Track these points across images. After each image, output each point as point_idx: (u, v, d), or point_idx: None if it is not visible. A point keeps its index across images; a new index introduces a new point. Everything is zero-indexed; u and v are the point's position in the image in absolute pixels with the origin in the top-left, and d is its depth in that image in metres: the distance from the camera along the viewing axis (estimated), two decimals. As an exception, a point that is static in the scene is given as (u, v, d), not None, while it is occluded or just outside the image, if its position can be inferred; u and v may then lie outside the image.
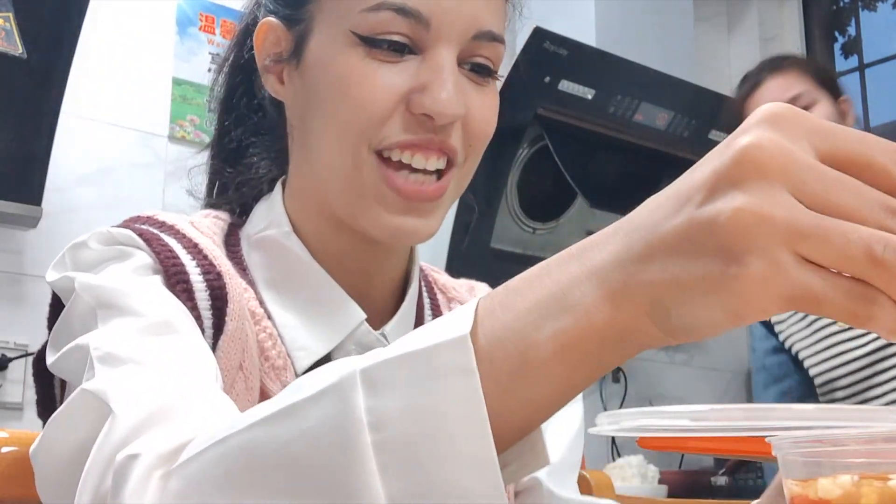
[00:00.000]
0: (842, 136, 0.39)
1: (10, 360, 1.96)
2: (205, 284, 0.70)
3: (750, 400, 3.23)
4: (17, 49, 1.85)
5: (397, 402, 0.41)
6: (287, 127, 0.81)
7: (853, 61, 3.51)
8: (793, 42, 3.48)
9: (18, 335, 1.97)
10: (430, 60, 0.72)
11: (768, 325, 1.94)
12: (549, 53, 2.49)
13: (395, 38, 0.71)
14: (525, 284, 0.44)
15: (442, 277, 0.94)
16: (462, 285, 0.94)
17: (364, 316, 0.77)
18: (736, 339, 3.28)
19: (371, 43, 0.71)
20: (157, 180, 2.24)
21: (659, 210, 0.40)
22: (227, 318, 0.70)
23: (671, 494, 2.42)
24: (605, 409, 2.81)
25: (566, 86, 2.56)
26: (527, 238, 2.75)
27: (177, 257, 0.71)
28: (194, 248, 0.73)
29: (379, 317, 0.80)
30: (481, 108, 0.75)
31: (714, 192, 0.38)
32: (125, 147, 2.19)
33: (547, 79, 2.53)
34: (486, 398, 0.40)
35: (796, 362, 1.87)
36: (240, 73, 0.86)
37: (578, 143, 2.69)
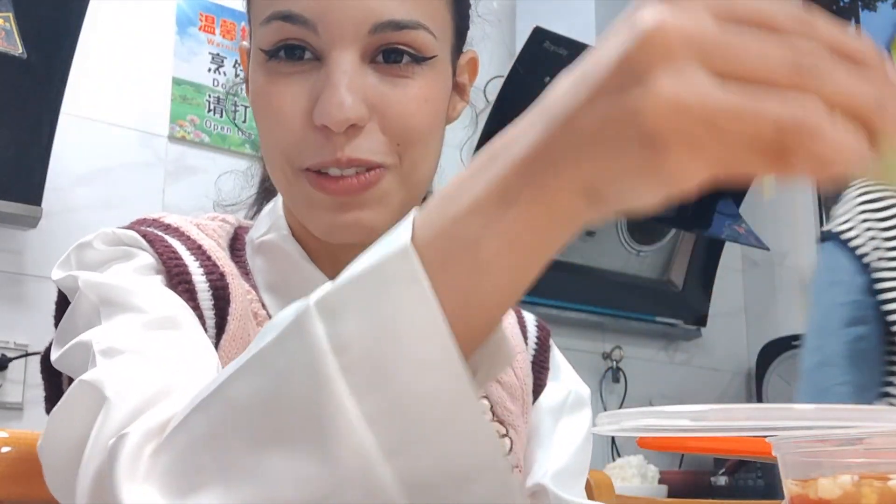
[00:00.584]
0: (738, 1, 0.38)
1: (10, 360, 1.96)
2: (207, 285, 0.71)
3: (750, 400, 3.23)
4: (17, 49, 1.85)
5: (355, 322, 0.42)
6: None
7: (853, 61, 3.50)
8: (793, 42, 3.48)
9: (18, 335, 1.97)
10: (325, 67, 0.70)
11: (859, 261, 1.74)
12: (549, 53, 2.49)
13: (290, 41, 0.70)
14: (459, 189, 0.44)
15: None
16: None
17: None
18: (736, 339, 3.28)
19: (270, 55, 0.71)
20: (157, 180, 2.24)
21: (573, 97, 0.41)
22: (229, 318, 0.71)
23: (671, 494, 2.42)
24: (605, 409, 2.81)
25: (566, 86, 2.56)
26: (527, 238, 2.75)
27: (179, 258, 0.71)
28: (198, 250, 0.73)
29: None
30: (398, 102, 0.71)
31: (625, 81, 0.38)
32: (125, 147, 2.19)
33: (547, 79, 2.53)
34: (446, 305, 0.41)
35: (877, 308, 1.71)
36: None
37: (578, 143, 2.70)
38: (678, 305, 3.05)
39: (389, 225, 0.73)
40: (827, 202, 3.39)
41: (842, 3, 3.62)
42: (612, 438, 2.75)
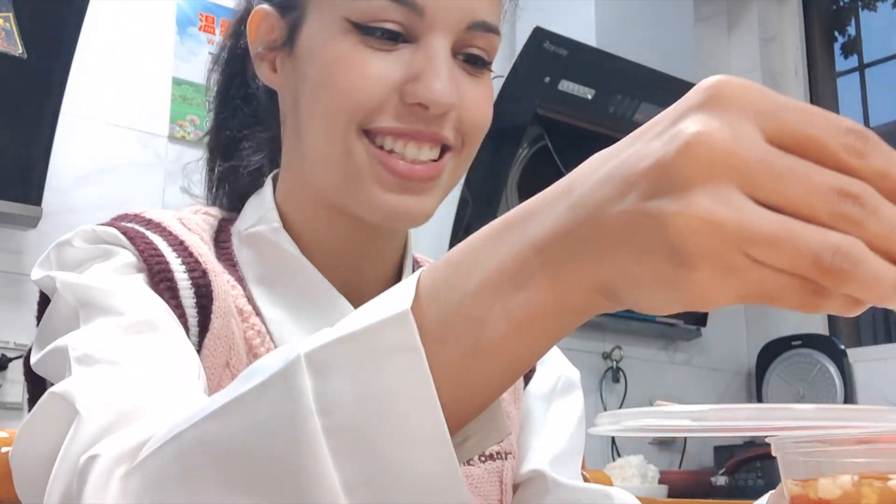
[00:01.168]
0: (788, 116, 0.37)
1: (10, 360, 1.96)
2: (190, 282, 0.70)
3: (750, 400, 3.23)
4: (17, 49, 1.85)
5: (344, 384, 0.41)
6: (280, 117, 0.81)
7: (853, 61, 3.51)
8: (793, 42, 3.48)
9: (18, 335, 1.97)
10: (424, 49, 0.71)
11: None
12: (549, 53, 2.49)
13: (389, 25, 0.71)
14: (468, 259, 0.43)
15: None
16: None
17: (352, 311, 0.76)
18: (736, 339, 3.28)
19: (364, 30, 0.71)
20: (157, 180, 2.24)
21: (603, 188, 0.39)
22: (212, 316, 0.70)
23: (671, 494, 2.42)
24: (605, 409, 2.81)
25: (566, 86, 2.56)
26: (527, 238, 2.75)
27: (161, 255, 0.70)
28: (180, 246, 0.72)
29: None
30: (475, 99, 0.74)
31: (661, 188, 0.37)
32: (125, 147, 2.19)
33: (547, 79, 2.53)
34: (440, 381, 0.40)
35: None
36: (235, 64, 0.86)
37: (578, 143, 2.69)
38: (678, 305, 3.05)
39: (435, 210, 0.73)
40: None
41: (842, 3, 3.62)
42: (612, 438, 2.75)
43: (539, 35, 2.46)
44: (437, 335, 0.41)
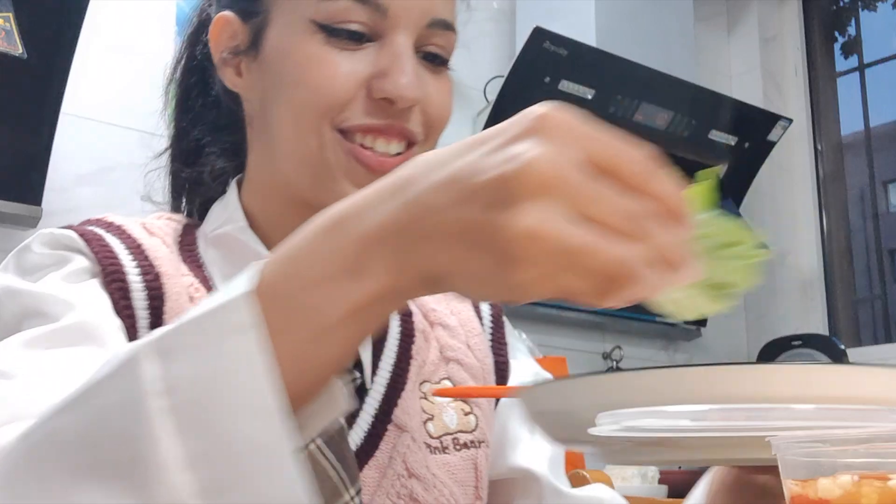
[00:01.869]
0: (600, 145, 0.44)
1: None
2: (143, 284, 0.72)
3: (750, 400, 3.23)
4: (17, 49, 1.85)
5: (186, 364, 0.43)
6: (245, 120, 0.83)
7: (853, 61, 3.51)
8: (793, 42, 3.48)
9: (18, 335, 1.97)
10: (389, 47, 0.74)
11: None
12: (549, 53, 2.49)
13: (354, 27, 0.74)
14: (306, 251, 0.47)
15: None
16: None
17: None
18: (736, 339, 3.28)
19: (330, 31, 0.74)
20: (157, 180, 2.23)
21: (442, 191, 0.44)
22: (164, 318, 0.72)
23: (671, 494, 2.42)
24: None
25: (566, 86, 2.56)
26: (527, 238, 2.75)
27: (115, 258, 0.73)
28: (136, 249, 0.75)
29: None
30: (437, 94, 0.77)
31: (497, 198, 0.42)
32: (125, 147, 2.19)
33: (547, 79, 2.53)
34: (285, 364, 0.43)
35: None
36: (195, 72, 0.89)
37: (578, 143, 2.69)
38: (678, 305, 3.05)
39: None
40: (827, 202, 3.39)
41: (842, 3, 3.62)
42: (612, 438, 2.75)
43: (539, 35, 2.46)
44: (277, 324, 0.44)
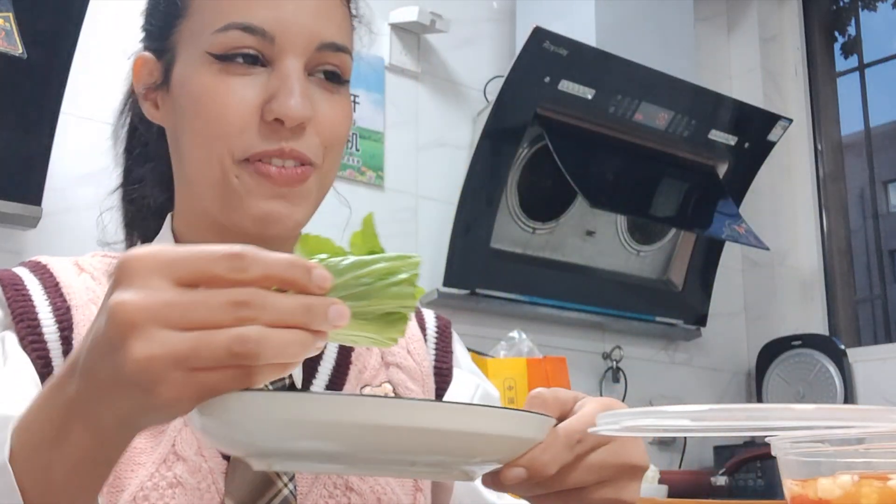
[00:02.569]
0: (181, 264, 0.51)
1: (10, 360, 1.96)
2: (53, 318, 0.80)
3: (750, 400, 3.23)
4: (17, 49, 1.85)
5: None
6: (170, 152, 0.89)
7: (853, 61, 3.51)
8: (793, 42, 3.48)
9: (18, 335, 1.97)
10: (278, 71, 0.80)
11: None
12: (549, 53, 2.49)
13: (246, 51, 0.80)
14: (31, 418, 0.56)
15: None
16: None
17: None
18: (736, 339, 3.28)
19: (224, 59, 0.80)
20: (157, 180, 2.24)
21: (89, 358, 0.52)
22: (73, 343, 0.79)
23: (671, 494, 2.42)
24: (605, 409, 2.81)
25: (566, 86, 2.56)
26: (527, 238, 2.75)
27: (28, 299, 0.81)
28: (53, 287, 0.82)
29: None
30: (331, 113, 0.83)
31: (110, 348, 0.50)
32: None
33: (547, 79, 2.53)
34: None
35: None
36: (132, 109, 1.00)
37: (578, 143, 2.69)
38: (678, 305, 3.05)
39: (307, 220, 0.82)
40: (827, 202, 3.39)
41: (842, 3, 3.62)
42: (612, 438, 2.75)
43: (539, 35, 2.46)
44: (25, 482, 0.54)
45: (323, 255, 0.56)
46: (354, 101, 2.52)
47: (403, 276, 0.55)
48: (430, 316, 1.00)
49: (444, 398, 0.92)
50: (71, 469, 0.54)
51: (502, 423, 0.55)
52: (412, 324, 0.96)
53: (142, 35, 0.91)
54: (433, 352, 0.95)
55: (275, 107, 0.79)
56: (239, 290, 0.50)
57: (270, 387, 0.80)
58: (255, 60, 0.80)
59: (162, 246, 0.53)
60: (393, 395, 0.89)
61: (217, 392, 0.51)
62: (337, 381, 0.87)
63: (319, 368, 0.87)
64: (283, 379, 0.82)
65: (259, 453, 0.57)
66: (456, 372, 0.95)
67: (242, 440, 0.56)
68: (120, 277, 0.51)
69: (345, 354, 0.89)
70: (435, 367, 0.94)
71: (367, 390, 0.88)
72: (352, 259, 0.55)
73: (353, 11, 0.90)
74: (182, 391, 0.50)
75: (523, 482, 0.59)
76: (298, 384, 0.84)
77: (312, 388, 0.85)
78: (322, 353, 0.88)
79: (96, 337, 0.52)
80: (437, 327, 0.98)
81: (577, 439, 0.59)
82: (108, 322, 0.50)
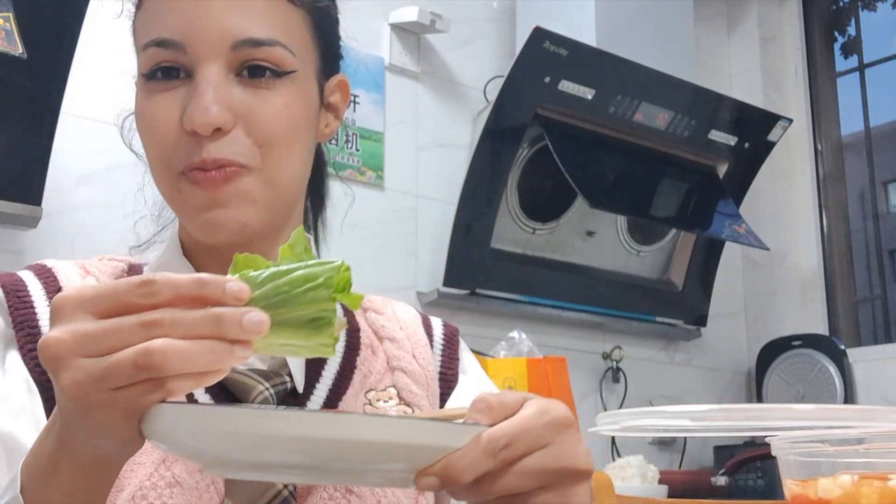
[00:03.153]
0: (98, 299, 0.54)
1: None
2: None
3: (750, 400, 3.23)
4: (17, 49, 1.85)
5: None
6: None
7: (853, 61, 3.51)
8: (793, 42, 3.48)
9: (18, 335, 1.97)
10: (193, 80, 0.79)
11: None
12: (549, 53, 2.49)
13: (164, 64, 0.80)
14: (32, 454, 0.61)
15: None
16: (376, 298, 0.99)
17: None
18: (736, 339, 3.28)
19: (148, 76, 0.81)
20: (157, 180, 2.23)
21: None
22: None
23: (671, 494, 2.42)
24: (605, 409, 2.81)
25: (566, 86, 2.56)
26: (527, 238, 2.75)
27: (29, 306, 0.82)
28: (56, 293, 0.81)
29: None
30: (260, 109, 0.80)
31: (53, 378, 0.55)
32: (125, 147, 2.19)
33: (547, 79, 2.53)
34: None
35: None
36: None
37: (578, 143, 2.69)
38: (678, 305, 3.05)
39: (261, 223, 0.82)
40: (827, 202, 3.39)
41: (842, 3, 3.62)
42: (612, 438, 2.75)
43: (539, 35, 2.46)
44: None
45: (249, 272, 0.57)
46: (354, 101, 2.52)
47: (320, 280, 0.56)
48: (437, 323, 0.99)
49: (447, 404, 0.92)
50: (67, 499, 0.59)
51: (408, 432, 0.55)
52: (419, 329, 0.96)
53: None
54: (439, 358, 0.95)
55: (185, 120, 0.78)
56: (148, 312, 0.53)
57: (272, 392, 0.80)
58: (177, 73, 0.80)
59: (88, 284, 0.58)
60: (397, 400, 0.89)
61: (140, 407, 0.54)
62: (340, 387, 0.87)
63: (323, 373, 0.87)
64: (285, 384, 0.82)
65: (207, 463, 0.60)
66: (461, 378, 0.95)
67: (183, 452, 0.60)
68: (52, 317, 0.55)
69: (349, 359, 0.89)
70: (440, 373, 0.94)
71: (371, 395, 0.88)
72: (271, 270, 0.56)
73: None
74: (111, 412, 0.54)
75: (437, 489, 0.58)
76: (300, 382, 0.84)
77: (314, 394, 0.85)
78: (325, 358, 0.87)
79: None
80: (444, 334, 0.98)
81: (501, 444, 0.57)
82: (41, 357, 0.55)
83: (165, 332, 0.53)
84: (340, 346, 0.90)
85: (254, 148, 0.80)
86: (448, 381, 0.94)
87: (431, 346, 0.96)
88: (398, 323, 0.96)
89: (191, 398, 0.80)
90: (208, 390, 0.81)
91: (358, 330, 0.93)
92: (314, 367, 0.87)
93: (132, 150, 0.98)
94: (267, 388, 0.80)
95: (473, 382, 0.97)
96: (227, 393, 0.81)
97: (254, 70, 0.80)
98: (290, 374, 0.83)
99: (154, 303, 0.54)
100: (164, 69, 0.80)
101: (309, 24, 0.85)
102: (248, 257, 0.57)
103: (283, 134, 0.81)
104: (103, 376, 0.53)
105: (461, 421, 0.61)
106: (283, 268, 0.56)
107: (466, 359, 0.99)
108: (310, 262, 0.57)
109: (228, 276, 0.55)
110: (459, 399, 0.93)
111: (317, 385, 0.86)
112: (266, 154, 0.80)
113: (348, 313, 0.94)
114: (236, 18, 0.80)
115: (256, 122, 0.80)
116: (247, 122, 0.79)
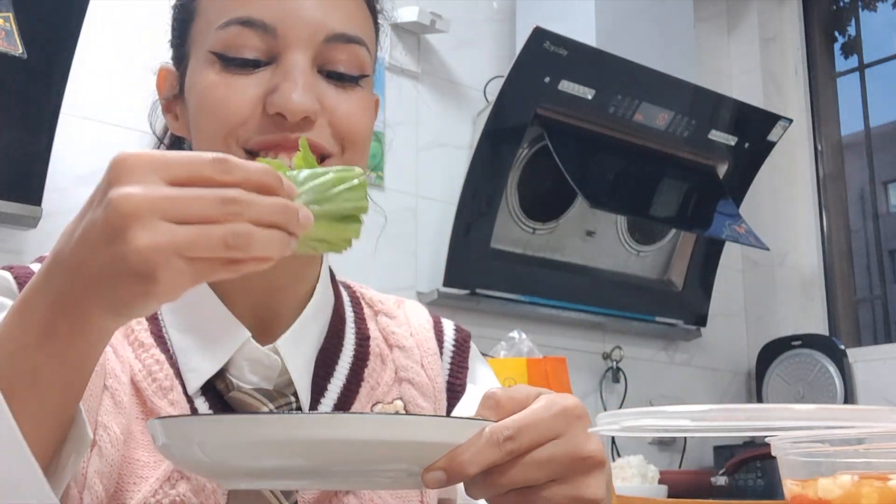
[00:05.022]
0: (174, 166, 0.54)
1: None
2: None
3: (750, 400, 3.23)
4: (17, 49, 1.85)
5: None
6: None
7: (853, 61, 3.50)
8: (793, 42, 3.48)
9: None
10: (282, 65, 0.78)
11: None
12: (549, 53, 2.49)
13: (247, 54, 0.79)
14: (12, 330, 0.58)
15: (369, 292, 0.98)
16: (389, 299, 0.98)
17: (248, 334, 0.81)
18: (736, 339, 3.28)
19: (225, 60, 0.79)
20: (157, 180, 2.23)
21: (78, 253, 0.55)
22: None
23: (671, 494, 2.42)
24: (605, 409, 2.81)
25: (566, 86, 2.56)
26: (527, 238, 2.75)
27: None
28: None
29: (285, 331, 0.84)
30: (342, 107, 0.80)
31: (110, 236, 0.53)
32: (125, 147, 2.19)
33: (547, 79, 2.53)
34: (21, 420, 0.56)
35: None
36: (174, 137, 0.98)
37: (578, 143, 2.69)
38: (678, 305, 3.05)
39: None
40: (827, 202, 3.39)
41: (842, 3, 3.62)
42: (612, 438, 2.75)
43: (539, 35, 2.46)
44: (6, 389, 0.56)
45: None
46: (354, 101, 2.52)
47: (355, 182, 0.60)
48: (448, 328, 0.97)
49: (452, 414, 0.91)
50: (57, 369, 0.57)
51: (414, 430, 0.57)
52: (430, 336, 0.94)
53: (170, 50, 0.91)
54: (448, 367, 0.93)
55: (276, 99, 0.77)
56: (227, 189, 0.54)
57: (272, 406, 0.80)
58: (257, 64, 0.79)
59: (150, 150, 0.56)
60: (404, 412, 0.88)
61: (210, 278, 0.55)
62: (347, 399, 0.86)
63: (329, 386, 0.85)
64: (290, 404, 0.81)
65: (217, 474, 0.61)
66: (469, 388, 0.93)
67: (192, 464, 0.61)
68: (117, 174, 0.54)
69: (356, 371, 0.88)
70: (448, 383, 0.92)
71: (378, 408, 0.86)
72: (306, 171, 0.60)
73: (375, 5, 0.87)
74: (179, 278, 0.53)
75: (445, 483, 0.58)
76: (305, 403, 0.83)
77: (321, 406, 0.84)
78: (332, 370, 0.86)
79: (87, 231, 0.54)
80: (455, 340, 0.96)
81: (506, 436, 0.58)
82: (108, 214, 0.53)
83: (242, 211, 0.54)
84: (349, 357, 0.88)
85: (333, 141, 0.80)
86: (455, 391, 0.92)
87: (441, 354, 0.93)
88: (409, 329, 0.94)
89: (195, 413, 0.79)
90: (213, 410, 0.80)
91: (368, 338, 0.91)
92: (319, 381, 0.85)
93: (154, 133, 0.98)
94: (272, 411, 0.79)
95: (479, 392, 0.95)
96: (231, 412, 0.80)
97: (336, 74, 0.81)
98: (295, 394, 0.82)
99: (227, 180, 0.54)
100: (246, 60, 0.79)
101: (375, 33, 0.87)
102: (270, 161, 0.60)
103: (364, 133, 0.83)
104: (188, 245, 0.52)
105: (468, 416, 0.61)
106: (317, 170, 0.60)
107: (478, 368, 0.96)
108: (333, 168, 0.61)
109: (281, 173, 0.57)
110: (464, 410, 0.91)
111: (321, 401, 0.85)
112: (346, 148, 0.81)
113: (360, 318, 0.92)
114: (332, 12, 0.80)
115: (340, 118, 0.80)
116: (332, 117, 0.80)
